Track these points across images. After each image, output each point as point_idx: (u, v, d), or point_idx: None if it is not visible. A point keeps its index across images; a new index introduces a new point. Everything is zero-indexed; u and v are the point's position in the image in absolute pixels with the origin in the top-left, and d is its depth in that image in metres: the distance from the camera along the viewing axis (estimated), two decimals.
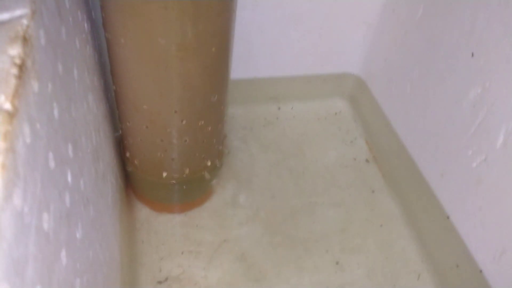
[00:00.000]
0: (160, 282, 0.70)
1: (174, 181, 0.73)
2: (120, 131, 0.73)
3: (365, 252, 0.77)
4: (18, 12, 0.31)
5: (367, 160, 0.93)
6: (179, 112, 0.63)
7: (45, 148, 0.31)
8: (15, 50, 0.29)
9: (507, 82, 0.60)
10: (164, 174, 0.72)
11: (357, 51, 1.00)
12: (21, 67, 0.28)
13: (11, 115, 0.25)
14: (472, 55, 0.66)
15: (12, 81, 0.27)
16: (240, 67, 0.94)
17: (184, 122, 0.65)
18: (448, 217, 0.72)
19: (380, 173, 0.90)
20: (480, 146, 0.64)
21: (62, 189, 0.34)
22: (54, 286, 0.28)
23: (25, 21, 0.31)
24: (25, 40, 0.30)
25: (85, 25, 0.57)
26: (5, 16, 0.31)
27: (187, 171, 0.72)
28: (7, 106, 0.25)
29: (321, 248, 0.76)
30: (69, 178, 0.36)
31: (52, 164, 0.32)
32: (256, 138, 0.94)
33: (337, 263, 0.74)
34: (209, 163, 0.74)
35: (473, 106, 0.66)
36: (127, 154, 0.73)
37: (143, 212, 0.78)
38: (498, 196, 0.62)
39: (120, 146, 0.76)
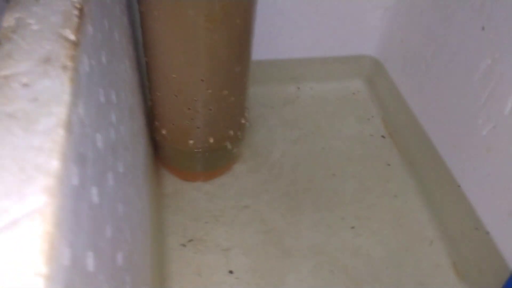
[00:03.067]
0: (185, 243, 0.75)
1: (199, 150, 0.79)
2: (150, 102, 0.78)
3: (380, 220, 0.80)
4: None
5: (383, 136, 0.96)
6: (206, 81, 0.68)
7: (97, 83, 0.36)
8: None
9: None
10: (191, 143, 0.77)
11: (375, 34, 1.03)
12: (81, 11, 0.34)
13: (75, 44, 0.30)
14: (483, 28, 0.69)
15: (75, 20, 0.32)
16: (262, 48, 0.99)
17: (209, 91, 0.70)
18: (459, 186, 0.75)
19: (395, 148, 0.94)
20: (490, 114, 0.68)
21: (108, 124, 0.39)
22: (104, 196, 0.34)
23: None
24: None
25: None
26: None
27: (211, 140, 0.77)
28: (72, 37, 0.31)
29: (338, 216, 0.80)
30: (113, 118, 0.42)
31: (102, 99, 0.37)
32: (277, 116, 0.99)
33: (352, 227, 0.78)
34: (231, 133, 0.79)
35: (483, 77, 0.69)
36: (156, 124, 0.79)
37: (169, 179, 0.84)
38: (506, 162, 0.65)
39: (149, 117, 0.81)
